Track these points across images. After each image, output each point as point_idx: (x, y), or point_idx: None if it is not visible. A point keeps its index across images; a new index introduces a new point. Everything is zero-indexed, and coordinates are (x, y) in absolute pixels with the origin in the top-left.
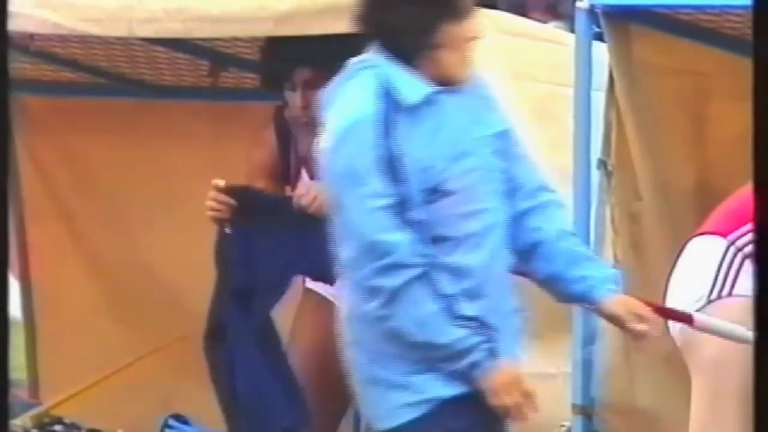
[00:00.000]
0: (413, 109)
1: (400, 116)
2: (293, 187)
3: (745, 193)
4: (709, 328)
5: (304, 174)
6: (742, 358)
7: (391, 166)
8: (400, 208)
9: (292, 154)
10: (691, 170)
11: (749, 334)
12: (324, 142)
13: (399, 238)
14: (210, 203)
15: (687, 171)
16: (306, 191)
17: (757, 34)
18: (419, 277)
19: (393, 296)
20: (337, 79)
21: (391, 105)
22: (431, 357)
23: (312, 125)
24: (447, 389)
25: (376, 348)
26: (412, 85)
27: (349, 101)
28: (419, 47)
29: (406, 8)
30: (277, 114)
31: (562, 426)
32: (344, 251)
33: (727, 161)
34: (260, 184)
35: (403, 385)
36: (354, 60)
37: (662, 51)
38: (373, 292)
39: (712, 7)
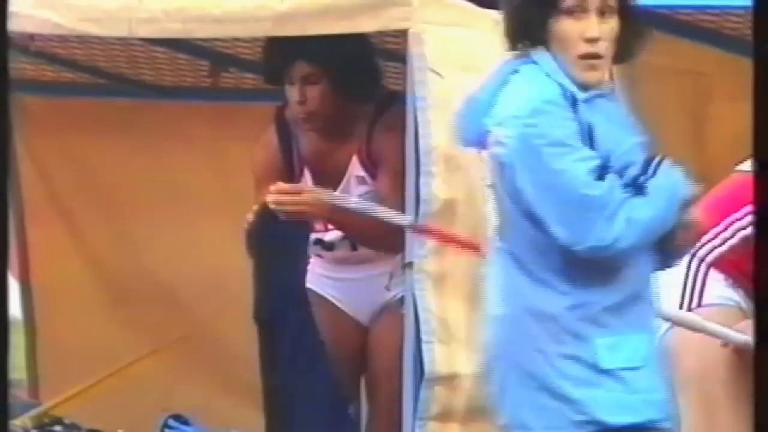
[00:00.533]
0: (583, 103)
1: (578, 106)
2: None
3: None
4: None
5: (306, 173)
6: (722, 365)
7: (587, 137)
8: (602, 170)
9: (294, 154)
10: (691, 170)
11: (700, 321)
12: (505, 129)
13: (612, 183)
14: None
15: (687, 170)
16: (289, 190)
17: (757, 34)
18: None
19: (631, 227)
20: (493, 77)
21: (568, 94)
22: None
23: (309, 121)
24: (615, 416)
25: (552, 350)
26: (573, 83)
27: (529, 86)
28: (522, 41)
29: (512, 2)
30: (278, 114)
31: None
32: (562, 226)
33: (727, 161)
34: (268, 187)
35: (571, 400)
36: (507, 58)
37: (663, 51)
38: (616, 240)
39: (713, 7)
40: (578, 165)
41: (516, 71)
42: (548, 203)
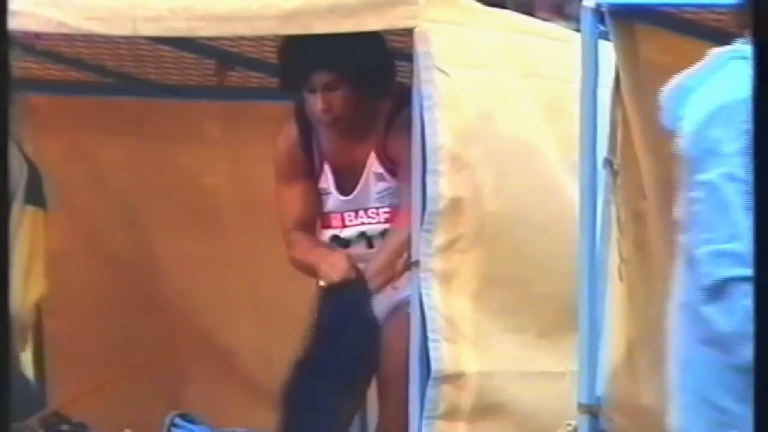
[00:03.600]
0: None
1: None
2: (317, 182)
3: None
4: None
5: (327, 169)
6: None
7: None
8: None
9: (315, 150)
10: None
11: None
12: (686, 125)
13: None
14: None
15: None
16: (331, 266)
17: (757, 33)
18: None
19: (719, 287)
20: (698, 69)
21: None
22: None
23: (334, 125)
24: None
25: None
26: None
27: (720, 86)
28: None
29: None
30: (297, 110)
31: (568, 425)
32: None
33: None
34: (291, 184)
35: None
36: (720, 50)
37: (668, 50)
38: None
39: (719, 6)
40: (725, 182)
41: (722, 68)
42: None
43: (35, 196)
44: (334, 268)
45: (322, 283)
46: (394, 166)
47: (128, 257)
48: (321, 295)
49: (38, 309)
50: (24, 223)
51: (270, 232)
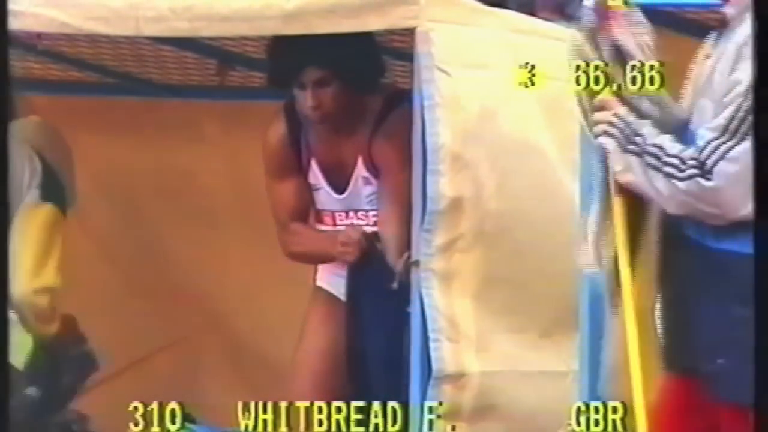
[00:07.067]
0: None
1: None
2: (306, 177)
3: None
4: None
5: (314, 165)
6: None
7: None
8: None
9: (303, 146)
10: None
11: None
12: None
13: None
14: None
15: None
16: (343, 245)
17: (757, 33)
18: None
19: None
20: None
21: None
22: None
23: (324, 122)
24: None
25: None
26: None
27: None
28: None
29: None
30: (287, 106)
31: (569, 425)
32: None
33: None
34: (282, 180)
35: None
36: None
37: (669, 50)
38: None
39: (720, 5)
40: None
41: None
42: None
43: (54, 194)
44: (347, 245)
45: (319, 283)
46: (377, 171)
47: (128, 256)
48: (348, 276)
49: (52, 302)
50: (39, 218)
51: (271, 232)
